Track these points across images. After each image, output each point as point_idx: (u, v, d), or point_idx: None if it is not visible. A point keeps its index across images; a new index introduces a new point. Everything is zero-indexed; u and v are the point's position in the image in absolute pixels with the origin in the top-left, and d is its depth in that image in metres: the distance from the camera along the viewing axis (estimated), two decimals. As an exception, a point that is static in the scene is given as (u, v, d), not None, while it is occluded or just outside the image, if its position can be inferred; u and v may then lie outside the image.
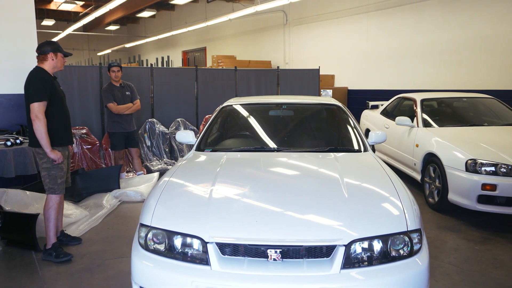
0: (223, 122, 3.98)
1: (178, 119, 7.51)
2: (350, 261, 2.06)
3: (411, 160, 5.58)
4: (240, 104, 4.10)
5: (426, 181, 5.14)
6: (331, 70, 11.66)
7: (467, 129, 5.31)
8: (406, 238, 2.16)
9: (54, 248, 3.59)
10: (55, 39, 19.77)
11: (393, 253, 2.13)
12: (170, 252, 2.19)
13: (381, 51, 10.47)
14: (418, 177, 5.39)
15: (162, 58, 17.93)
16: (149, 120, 7.22)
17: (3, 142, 5.14)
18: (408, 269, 2.09)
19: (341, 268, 2.02)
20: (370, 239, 2.11)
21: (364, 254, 2.09)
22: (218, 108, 4.10)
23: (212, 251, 2.08)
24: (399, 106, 6.70)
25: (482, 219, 4.54)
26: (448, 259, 3.60)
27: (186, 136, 3.82)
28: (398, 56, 10.05)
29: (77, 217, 4.55)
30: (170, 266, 2.13)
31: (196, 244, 2.14)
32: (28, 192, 4.43)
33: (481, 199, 4.23)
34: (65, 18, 19.54)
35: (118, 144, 5.93)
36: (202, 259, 2.11)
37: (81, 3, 17.41)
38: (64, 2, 15.81)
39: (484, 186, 4.17)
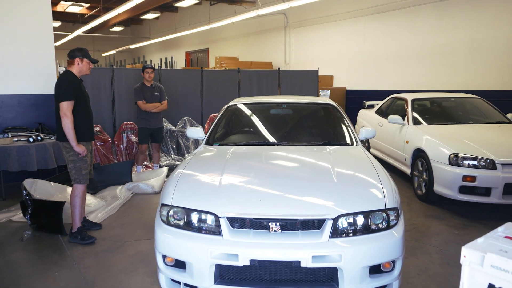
0: (229, 120, 4.42)
1: (184, 118, 7.96)
2: (337, 232, 2.50)
3: (402, 156, 6.01)
4: (244, 104, 4.54)
5: (415, 175, 5.58)
6: (330, 71, 12.10)
7: (453, 126, 5.75)
8: (384, 215, 2.61)
9: (79, 231, 4.04)
10: (63, 41, 20.28)
11: (373, 226, 2.57)
12: (188, 226, 2.64)
13: (378, 53, 10.90)
14: (408, 171, 5.83)
15: (166, 59, 18.38)
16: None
17: (25, 139, 5.60)
18: (385, 239, 2.53)
19: (330, 237, 2.47)
20: (354, 214, 2.55)
21: (348, 227, 2.54)
22: (224, 107, 4.55)
23: (224, 224, 2.53)
24: (392, 105, 7.14)
25: (463, 208, 4.98)
26: (430, 242, 4.05)
27: (196, 132, 4.26)
28: (394, 57, 10.48)
29: (95, 206, 5.01)
30: (189, 237, 2.58)
31: (210, 219, 2.59)
32: (52, 183, 4.88)
33: (463, 189, 4.67)
34: (70, 19, 20.00)
35: (143, 138, 6.45)
36: (215, 231, 2.56)
37: (87, 5, 17.87)
38: (72, 5, 16.26)
39: (465, 178, 4.61)
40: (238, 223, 2.56)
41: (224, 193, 2.73)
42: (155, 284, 3.18)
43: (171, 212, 2.70)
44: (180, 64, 20.02)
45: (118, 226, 4.52)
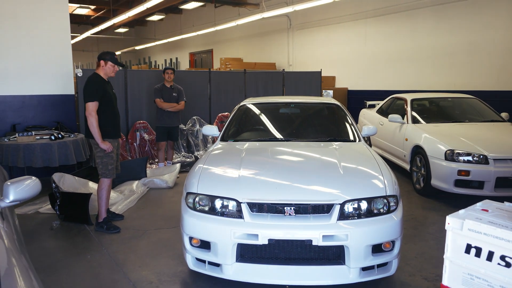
0: (241, 118, 4.77)
1: (194, 117, 8.32)
2: (344, 215, 2.86)
3: (402, 153, 6.37)
4: (254, 103, 4.91)
5: (414, 170, 5.94)
6: (332, 72, 12.45)
7: (450, 125, 6.10)
8: (385, 201, 2.97)
9: (105, 221, 4.40)
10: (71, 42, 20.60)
11: (375, 211, 2.93)
12: (212, 211, 3.00)
13: (378, 54, 11.26)
14: (407, 167, 6.18)
15: (171, 59, 18.73)
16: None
17: (48, 137, 5.96)
18: (385, 222, 2.89)
19: (337, 220, 2.83)
20: (358, 200, 2.91)
21: (354, 211, 2.90)
22: (236, 107, 4.90)
23: (245, 208, 2.89)
24: (392, 105, 7.49)
25: (459, 201, 5.33)
26: (427, 230, 4.40)
27: (210, 129, 4.62)
28: (394, 59, 10.84)
29: (115, 199, 5.37)
30: (213, 220, 2.94)
31: (232, 204, 2.94)
32: (76, 178, 5.25)
33: (458, 183, 5.03)
34: (76, 21, 20.37)
35: (160, 136, 6.85)
36: (237, 215, 2.91)
37: (93, 7, 18.23)
38: (79, 7, 16.63)
39: (460, 172, 4.97)
40: (256, 208, 2.92)
41: (243, 182, 3.09)
42: (180, 265, 3.54)
43: (197, 199, 3.06)
44: (184, 64, 20.38)
45: (138, 217, 4.88)
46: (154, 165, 7.35)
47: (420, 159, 5.72)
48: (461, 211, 1.73)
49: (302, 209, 2.88)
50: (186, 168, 7.25)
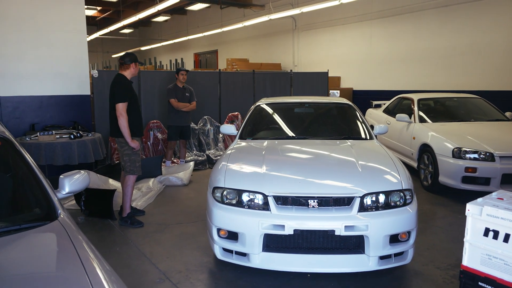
0: (258, 117, 4.97)
1: (205, 117, 8.53)
2: (363, 207, 3.07)
3: (409, 151, 6.57)
4: (270, 103, 5.11)
5: (421, 168, 6.14)
6: (338, 72, 12.66)
7: (456, 124, 6.31)
8: (401, 194, 3.18)
9: (129, 216, 4.61)
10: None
11: (392, 203, 3.14)
12: (240, 204, 3.20)
13: (383, 55, 11.47)
14: (414, 164, 6.38)
15: (176, 60, 18.94)
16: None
17: (67, 136, 6.17)
18: (401, 213, 3.10)
19: (358, 212, 3.04)
20: (377, 193, 3.12)
21: (372, 204, 3.10)
22: (252, 107, 5.11)
23: (271, 201, 3.10)
24: (399, 105, 7.69)
25: (465, 197, 5.51)
26: (437, 224, 4.61)
27: (228, 128, 4.82)
28: (399, 59, 11.05)
29: (134, 196, 5.56)
30: (242, 212, 3.15)
31: (259, 197, 3.15)
32: (98, 175, 5.45)
33: (465, 179, 5.23)
34: (82, 22, 20.56)
35: (172, 135, 7.02)
36: (263, 208, 3.12)
37: (99, 8, 18.44)
38: (86, 8, 16.82)
39: (467, 169, 5.17)
40: (281, 201, 3.13)
41: (268, 177, 3.30)
42: (205, 256, 3.75)
43: (224, 193, 3.27)
44: (189, 65, 20.59)
45: (159, 213, 5.09)
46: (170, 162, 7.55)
47: (428, 157, 5.92)
48: (479, 199, 1.94)
49: (324, 202, 3.08)
50: (198, 166, 7.46)
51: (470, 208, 1.90)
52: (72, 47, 7.08)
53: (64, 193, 2.30)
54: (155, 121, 7.86)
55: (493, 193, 2.04)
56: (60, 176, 2.33)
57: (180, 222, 4.73)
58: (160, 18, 19.23)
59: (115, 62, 25.19)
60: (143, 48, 22.65)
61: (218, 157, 7.83)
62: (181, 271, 3.48)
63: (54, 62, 6.91)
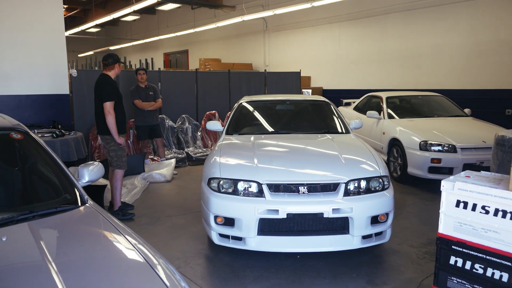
0: (242, 114, 5.25)
1: (183, 116, 8.71)
2: (348, 192, 3.42)
3: (379, 145, 7.05)
4: (253, 101, 5.40)
5: (391, 160, 6.62)
6: (308, 72, 13.12)
7: (421, 119, 6.84)
8: (380, 180, 3.56)
9: (121, 209, 4.78)
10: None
11: (372, 189, 3.51)
12: (236, 192, 3.48)
13: (351, 56, 12.02)
14: (385, 157, 6.86)
15: (146, 60, 18.87)
16: (160, 116, 8.37)
17: (50, 135, 6.21)
18: (380, 197, 3.48)
19: (343, 196, 3.39)
20: (359, 180, 3.48)
21: (355, 189, 3.46)
22: (236, 104, 5.38)
23: (265, 189, 3.39)
24: (368, 103, 8.19)
25: (431, 186, 6.05)
26: (408, 210, 5.06)
27: (214, 124, 5.10)
28: (367, 60, 11.63)
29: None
30: (239, 199, 3.42)
31: (254, 186, 3.44)
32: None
33: (431, 169, 5.73)
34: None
35: (142, 135, 7.10)
36: (258, 195, 3.41)
37: (65, 6, 18.07)
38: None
39: (432, 160, 5.67)
40: (273, 189, 3.43)
41: (261, 167, 3.60)
42: (200, 244, 3.99)
43: (221, 183, 3.53)
44: (159, 65, 20.53)
45: (147, 207, 5.27)
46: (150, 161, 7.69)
47: (397, 150, 6.41)
48: (451, 177, 2.31)
49: (313, 188, 3.41)
50: (178, 163, 7.64)
51: (445, 184, 2.27)
52: (51, 46, 7.08)
53: (84, 181, 2.49)
54: (133, 120, 7.95)
55: (462, 173, 2.42)
56: (80, 166, 2.53)
57: (170, 215, 4.94)
58: (129, 18, 19.08)
59: (82, 61, 24.70)
60: (112, 48, 22.35)
61: (198, 154, 8.06)
62: (180, 258, 3.71)
63: (32, 61, 6.89)
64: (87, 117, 7.54)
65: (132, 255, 1.80)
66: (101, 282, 1.57)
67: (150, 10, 18.67)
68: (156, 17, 19.84)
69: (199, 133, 8.76)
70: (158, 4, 15.98)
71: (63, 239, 1.92)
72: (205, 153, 8.16)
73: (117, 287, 1.57)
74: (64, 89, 7.34)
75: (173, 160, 7.21)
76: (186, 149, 8.35)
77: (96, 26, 21.75)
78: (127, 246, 1.86)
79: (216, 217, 3.52)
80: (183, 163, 7.80)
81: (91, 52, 23.16)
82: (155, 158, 7.72)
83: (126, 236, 1.94)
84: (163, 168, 6.95)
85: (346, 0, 10.35)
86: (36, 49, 6.91)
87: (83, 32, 21.96)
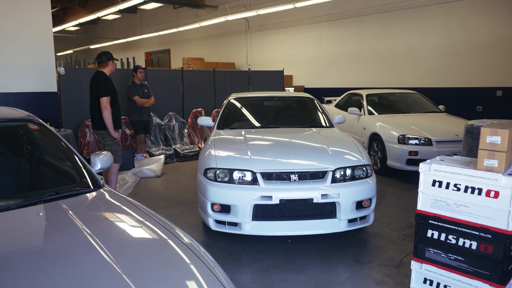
0: (232, 110, 5.49)
1: (169, 113, 8.88)
2: (335, 180, 3.72)
3: (360, 140, 7.41)
4: (242, 98, 5.66)
5: (371, 154, 6.99)
6: (290, 71, 13.45)
7: (399, 115, 7.24)
8: (364, 168, 3.87)
9: (116, 202, 4.94)
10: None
11: (357, 176, 3.83)
12: (232, 181, 3.73)
13: (332, 55, 12.42)
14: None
15: (127, 59, 18.84)
16: (147, 113, 8.52)
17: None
18: (364, 184, 3.80)
19: (330, 183, 3.68)
20: (345, 168, 3.79)
21: (341, 176, 3.77)
22: (225, 101, 5.62)
23: (259, 177, 3.66)
24: (349, 100, 8.55)
25: (409, 177, 6.44)
26: (388, 199, 5.42)
27: (205, 120, 5.33)
28: (347, 59, 12.04)
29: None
30: (234, 187, 3.67)
31: (248, 174, 3.70)
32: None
33: (409, 162, 6.12)
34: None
35: (139, 129, 7.31)
36: (253, 183, 3.67)
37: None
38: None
39: (410, 153, 6.06)
40: (266, 177, 3.70)
41: (254, 157, 3.86)
42: (195, 232, 4.23)
43: (217, 172, 3.78)
44: (140, 64, 20.49)
45: (141, 200, 5.34)
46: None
47: (377, 144, 6.78)
48: (428, 161, 2.63)
49: (303, 176, 3.70)
50: (166, 160, 7.81)
51: (423, 166, 2.58)
52: (38, 44, 7.15)
53: (97, 168, 2.70)
54: (122, 117, 8.09)
55: (437, 157, 2.75)
56: (93, 154, 2.74)
57: (164, 206, 5.15)
58: (110, 16, 18.98)
59: (62, 59, 24.36)
60: (92, 47, 22.18)
61: (185, 151, 8.26)
62: (178, 244, 3.93)
63: (20, 59, 6.95)
64: (74, 114, 7.64)
65: (163, 230, 2.02)
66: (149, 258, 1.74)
67: (131, 9, 18.64)
68: (138, 16, 19.81)
69: (185, 130, 8.95)
70: (141, 3, 16.02)
71: (91, 215, 2.14)
72: (192, 150, 8.37)
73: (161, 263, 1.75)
74: (52, 87, 7.42)
75: (162, 156, 7.40)
76: (173, 146, 8.52)
77: (75, 24, 21.57)
78: (152, 222, 2.09)
79: (213, 204, 3.76)
80: (171, 159, 7.98)
81: (70, 51, 22.90)
82: (144, 155, 7.88)
83: (150, 213, 2.17)
84: (152, 164, 7.12)
85: (327, 2, 10.71)
86: (24, 47, 6.97)
87: (62, 30, 21.73)
